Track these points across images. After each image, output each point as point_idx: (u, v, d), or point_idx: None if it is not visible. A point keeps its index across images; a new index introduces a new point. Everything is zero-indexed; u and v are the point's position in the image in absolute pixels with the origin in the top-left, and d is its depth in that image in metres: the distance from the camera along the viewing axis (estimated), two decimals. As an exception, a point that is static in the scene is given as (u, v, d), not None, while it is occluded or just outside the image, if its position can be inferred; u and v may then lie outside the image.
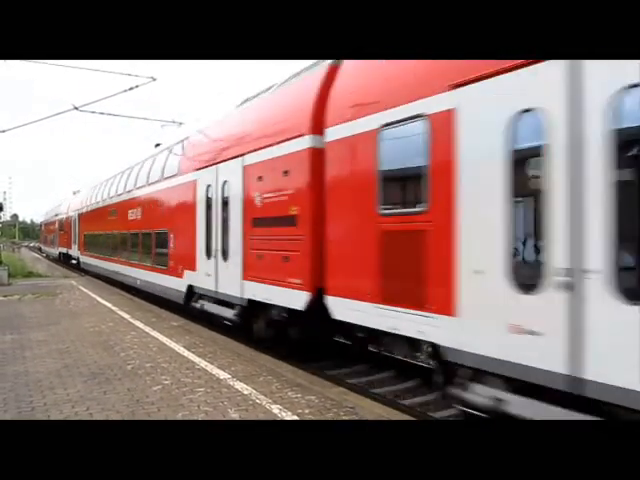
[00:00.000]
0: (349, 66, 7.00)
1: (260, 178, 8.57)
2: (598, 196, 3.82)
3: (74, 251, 29.43)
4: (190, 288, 11.43)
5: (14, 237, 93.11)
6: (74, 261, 29.78)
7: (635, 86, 3.61)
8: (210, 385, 6.37)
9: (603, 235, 3.77)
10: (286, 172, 7.81)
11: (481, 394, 4.84)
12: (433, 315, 5.21)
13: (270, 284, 8.17)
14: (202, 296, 10.90)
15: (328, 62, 7.57)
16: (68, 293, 16.77)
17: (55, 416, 5.25)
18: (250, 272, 8.84)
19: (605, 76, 3.80)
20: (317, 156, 7.16)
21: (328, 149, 6.95)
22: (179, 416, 5.26)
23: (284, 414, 5.33)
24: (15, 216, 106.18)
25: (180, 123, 25.61)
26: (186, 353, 8.15)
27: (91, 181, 28.18)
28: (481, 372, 4.81)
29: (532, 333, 4.26)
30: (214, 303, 10.34)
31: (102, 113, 23.39)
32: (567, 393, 3.99)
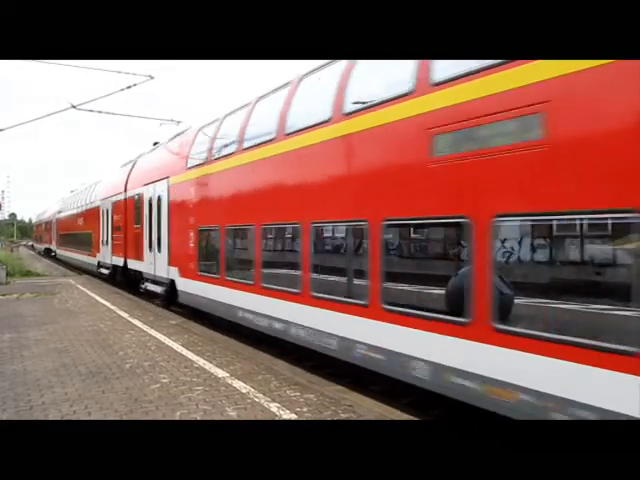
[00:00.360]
0: (137, 165, 17.77)
1: (115, 209, 19.14)
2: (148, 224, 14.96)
3: (53, 246, 40.98)
4: (98, 262, 22.08)
5: (12, 236, 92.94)
6: (53, 253, 40.40)
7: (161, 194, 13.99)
8: (208, 383, 6.37)
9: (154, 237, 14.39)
10: (119, 207, 18.34)
11: (145, 285, 15.27)
12: (141, 261, 15.38)
13: (117, 256, 18.50)
14: (101, 266, 21.45)
15: (134, 161, 19.04)
16: (66, 292, 16.77)
17: (54, 415, 5.25)
18: (114, 252, 19.09)
19: (159, 185, 14.05)
20: (128, 201, 17.14)
21: (127, 199, 17.29)
22: (177, 415, 5.26)
23: (282, 412, 5.33)
24: (13, 215, 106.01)
25: (178, 122, 25.53)
26: (185, 352, 8.15)
27: (64, 195, 40.75)
28: (147, 279, 15.22)
29: (152, 263, 14.37)
30: (104, 268, 20.87)
31: (100, 112, 23.30)
32: (154, 280, 14.44)
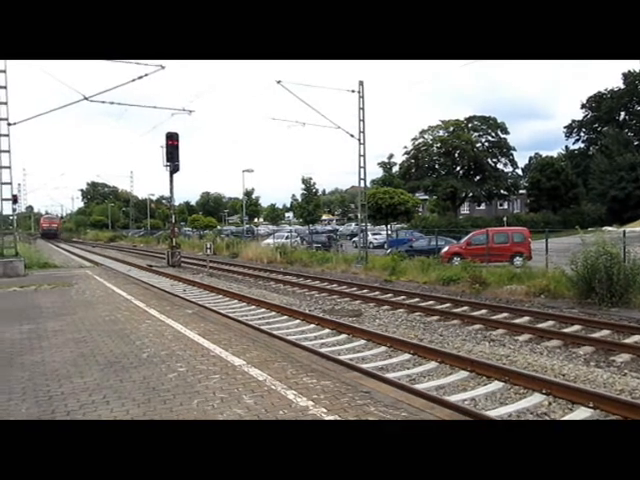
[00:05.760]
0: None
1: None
2: None
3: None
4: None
5: (29, 228, 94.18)
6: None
7: None
8: (225, 372, 6.38)
9: None
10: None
11: None
12: None
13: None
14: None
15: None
16: (84, 283, 16.94)
17: (72, 404, 5.30)
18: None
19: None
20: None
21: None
22: (194, 403, 5.27)
23: (299, 399, 5.32)
24: (30, 208, 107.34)
25: (191, 111, 25.51)
26: (201, 340, 8.18)
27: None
28: None
29: None
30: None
31: (112, 103, 23.32)
32: None
